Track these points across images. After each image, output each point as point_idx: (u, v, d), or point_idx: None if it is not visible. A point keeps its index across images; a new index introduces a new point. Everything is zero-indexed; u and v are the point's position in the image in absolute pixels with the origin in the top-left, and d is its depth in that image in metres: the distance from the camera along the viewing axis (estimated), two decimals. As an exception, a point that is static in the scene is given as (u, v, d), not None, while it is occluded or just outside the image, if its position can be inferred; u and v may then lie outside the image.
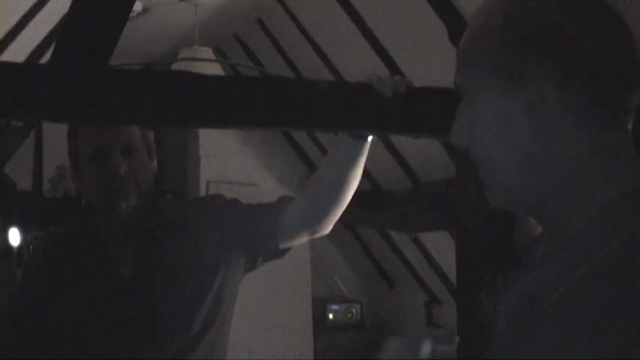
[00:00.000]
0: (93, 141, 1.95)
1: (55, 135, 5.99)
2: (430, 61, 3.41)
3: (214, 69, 4.15)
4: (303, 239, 2.08)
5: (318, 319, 6.14)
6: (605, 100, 0.96)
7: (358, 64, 4.06)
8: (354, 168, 1.92)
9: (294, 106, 1.76)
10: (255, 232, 2.04)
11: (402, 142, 4.22)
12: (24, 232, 5.73)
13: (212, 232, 2.04)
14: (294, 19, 4.53)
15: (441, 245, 4.90)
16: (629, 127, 0.99)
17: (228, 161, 5.89)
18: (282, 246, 2.05)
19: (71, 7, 1.72)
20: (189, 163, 6.05)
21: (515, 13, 0.99)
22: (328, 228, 2.04)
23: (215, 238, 2.03)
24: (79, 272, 2.02)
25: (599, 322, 0.86)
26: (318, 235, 2.07)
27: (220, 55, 5.62)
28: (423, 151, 4.15)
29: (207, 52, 4.37)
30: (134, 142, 1.97)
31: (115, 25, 1.70)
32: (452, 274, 5.07)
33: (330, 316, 6.25)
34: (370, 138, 1.90)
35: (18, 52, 3.34)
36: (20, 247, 5.75)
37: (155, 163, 2.05)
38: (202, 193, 5.81)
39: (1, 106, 1.60)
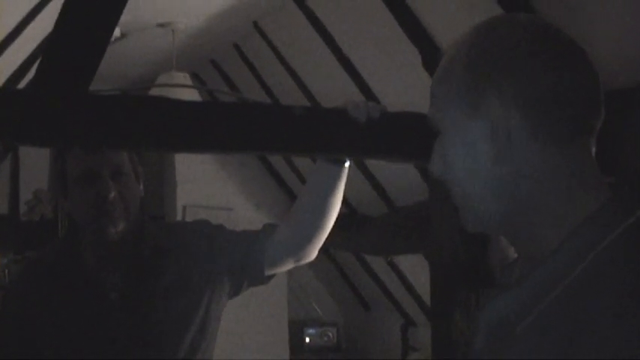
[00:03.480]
0: (82, 163, 1.95)
1: (32, 159, 6.01)
2: (404, 86, 3.46)
3: (191, 94, 4.17)
4: (289, 266, 2.10)
5: (295, 342, 6.15)
6: (567, 125, 1.00)
7: (333, 90, 4.10)
8: (334, 193, 1.95)
9: (270, 131, 1.79)
10: (240, 259, 2.05)
11: (378, 166, 4.26)
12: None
13: (198, 257, 2.05)
14: (270, 44, 4.58)
15: (417, 268, 4.93)
16: (593, 149, 1.03)
17: (205, 186, 5.91)
18: (267, 272, 2.06)
19: (52, 33, 1.75)
20: (166, 188, 6.06)
21: (479, 46, 1.03)
22: (313, 254, 2.07)
23: (201, 264, 2.04)
24: (65, 297, 2.00)
25: (573, 344, 0.89)
26: (303, 262, 2.09)
27: (197, 80, 5.65)
28: (399, 176, 4.19)
29: (185, 78, 4.39)
30: (123, 165, 1.97)
31: (95, 50, 1.73)
32: (427, 297, 5.07)
33: (307, 339, 6.25)
34: (347, 163, 1.94)
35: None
36: (-5, 272, 5.73)
37: (142, 187, 2.05)
38: (179, 218, 5.82)
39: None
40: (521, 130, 0.99)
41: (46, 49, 1.85)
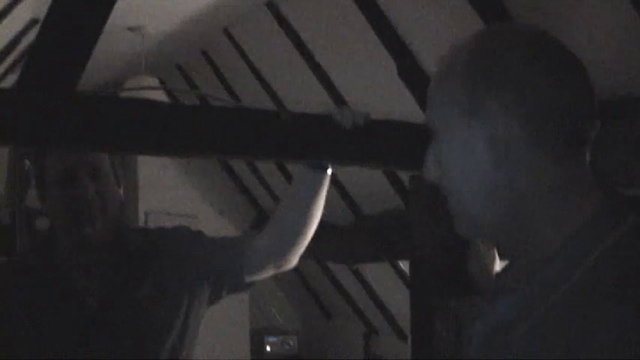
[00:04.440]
0: (60, 163, 1.92)
1: (-10, 163, 5.93)
2: (378, 95, 3.48)
3: (160, 98, 4.15)
4: (270, 273, 2.09)
5: (256, 350, 6.12)
6: (563, 134, 1.01)
7: (304, 97, 4.11)
8: (316, 200, 1.95)
9: (255, 136, 1.80)
10: (220, 265, 2.03)
11: (345, 174, 4.28)
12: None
13: (177, 263, 2.02)
14: (240, 51, 4.58)
15: (381, 276, 4.95)
16: (587, 158, 1.05)
17: (168, 192, 5.86)
18: (247, 279, 2.05)
19: (39, 34, 1.74)
20: (128, 193, 6.01)
21: (478, 54, 1.04)
22: (294, 261, 2.06)
23: (180, 270, 2.02)
24: (42, 302, 1.96)
25: (571, 349, 0.90)
26: (284, 269, 2.08)
27: (163, 85, 5.62)
28: (366, 183, 4.21)
29: (154, 82, 4.37)
30: (102, 166, 1.94)
31: (84, 49, 1.71)
32: (391, 305, 5.13)
33: (268, 347, 6.23)
34: (330, 170, 1.94)
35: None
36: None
37: (122, 191, 2.02)
38: (141, 224, 5.77)
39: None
40: (519, 138, 1.00)
41: (33, 48, 1.83)
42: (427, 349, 2.09)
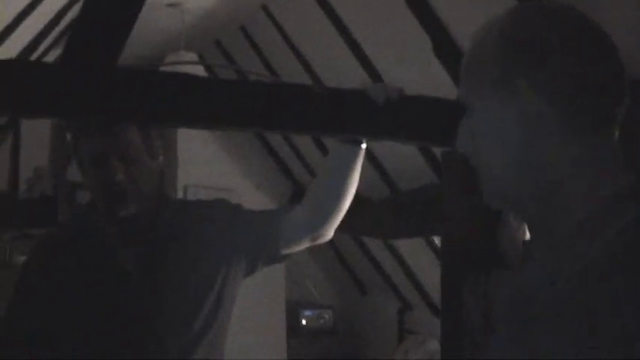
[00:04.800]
0: (91, 147, 1.95)
1: (33, 137, 6.03)
2: (414, 72, 3.49)
3: (199, 74, 4.20)
4: (305, 245, 2.12)
5: (291, 324, 6.20)
6: (592, 112, 1.04)
7: (341, 73, 4.14)
8: (351, 174, 1.98)
9: (290, 110, 1.84)
10: (257, 237, 2.07)
11: (380, 149, 4.30)
12: (-1, 232, 5.73)
13: (215, 235, 2.06)
14: (278, 27, 4.61)
15: (415, 252, 4.98)
16: (616, 135, 1.07)
17: (206, 166, 5.93)
18: (283, 252, 2.09)
19: (81, 11, 1.79)
20: (168, 167, 6.07)
21: (510, 32, 1.07)
22: (329, 234, 2.10)
23: (218, 241, 2.06)
24: (82, 270, 2.02)
25: (592, 314, 0.93)
26: (319, 242, 2.12)
27: (202, 60, 5.67)
28: (402, 159, 4.23)
29: (193, 57, 4.42)
30: (132, 147, 1.97)
31: (123, 26, 1.76)
32: (425, 281, 5.16)
33: (303, 321, 6.30)
34: (364, 145, 1.97)
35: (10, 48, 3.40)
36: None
37: (161, 160, 2.06)
38: (180, 197, 5.85)
39: (15, 103, 1.66)
40: (549, 117, 1.03)
41: (75, 26, 1.89)
42: (457, 322, 2.12)
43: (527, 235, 2.14)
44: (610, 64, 1.05)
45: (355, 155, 1.97)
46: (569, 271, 1.00)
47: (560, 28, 1.05)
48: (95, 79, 1.69)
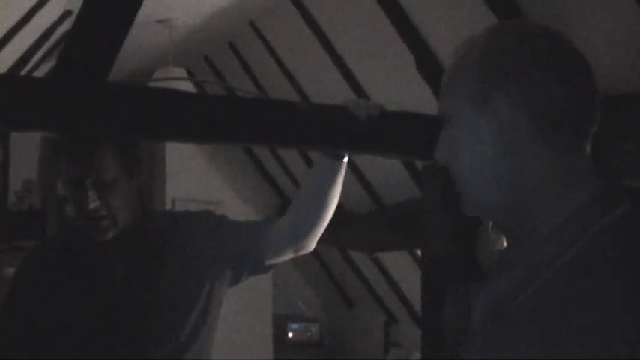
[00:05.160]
0: (67, 173, 1.96)
1: (22, 149, 6.05)
2: (397, 87, 3.56)
3: (188, 89, 4.25)
4: (289, 256, 2.16)
5: (278, 336, 6.23)
6: (566, 127, 1.09)
7: (327, 89, 4.20)
8: (333, 187, 2.03)
9: (276, 125, 1.89)
10: (242, 248, 2.11)
11: (366, 164, 4.36)
12: (-13, 244, 5.73)
13: (201, 245, 2.10)
14: (265, 43, 4.68)
15: (401, 265, 5.02)
16: (588, 149, 1.12)
17: (194, 180, 5.97)
18: (267, 262, 2.13)
19: (73, 27, 1.84)
20: (156, 181, 6.12)
21: (490, 50, 1.11)
22: (312, 245, 2.14)
23: (204, 251, 2.09)
24: (71, 279, 2.05)
25: (564, 319, 0.98)
26: (302, 252, 2.16)
27: (191, 76, 5.72)
28: (387, 174, 4.29)
29: (182, 73, 4.47)
30: (108, 173, 1.95)
31: (113, 42, 1.81)
32: (411, 294, 5.20)
33: (290, 334, 6.33)
34: (346, 158, 2.02)
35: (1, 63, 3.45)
36: (-16, 259, 5.76)
37: (141, 179, 2.07)
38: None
39: (5, 116, 1.71)
40: (525, 131, 1.08)
41: (67, 40, 1.93)
42: (437, 334, 2.16)
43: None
44: (584, 82, 1.09)
45: (337, 169, 2.02)
46: (541, 278, 1.04)
47: (537, 47, 1.09)
48: (85, 93, 1.74)
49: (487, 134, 1.10)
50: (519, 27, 1.17)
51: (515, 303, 1.05)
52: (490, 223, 1.29)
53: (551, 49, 1.09)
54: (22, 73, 4.08)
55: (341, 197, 2.07)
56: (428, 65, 3.18)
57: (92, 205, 1.93)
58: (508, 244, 1.20)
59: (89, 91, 1.74)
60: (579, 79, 1.09)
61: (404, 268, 4.98)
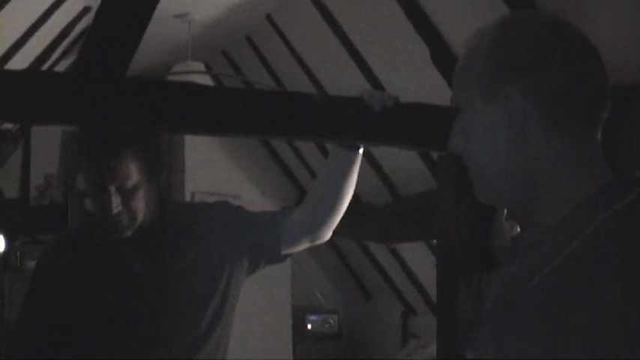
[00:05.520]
0: (90, 175, 2.00)
1: (43, 144, 6.12)
2: (412, 79, 3.58)
3: (206, 83, 4.28)
4: (304, 246, 2.20)
5: (297, 328, 6.26)
6: (576, 116, 1.11)
7: (343, 82, 4.23)
8: (348, 177, 2.07)
9: (292, 117, 1.92)
10: (259, 238, 2.15)
11: (383, 155, 4.38)
12: (9, 238, 5.80)
13: (219, 235, 2.14)
14: (282, 37, 4.71)
15: (418, 256, 5.04)
16: (599, 137, 1.14)
17: (213, 173, 6.00)
18: (284, 252, 2.17)
19: (93, 23, 1.88)
20: (175, 175, 6.17)
21: (500, 40, 1.14)
22: (327, 235, 2.17)
23: (222, 242, 2.13)
24: (91, 271, 2.10)
25: (574, 303, 0.99)
26: (318, 242, 2.19)
27: (209, 70, 5.77)
28: (404, 165, 4.31)
29: (200, 66, 4.50)
30: (129, 176, 1.98)
31: (132, 37, 1.85)
32: (428, 285, 5.22)
33: (309, 325, 6.35)
34: (361, 149, 2.05)
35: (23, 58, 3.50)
36: (6, 253, 5.83)
37: (163, 175, 2.11)
38: (187, 203, 5.92)
39: (28, 111, 1.75)
40: (535, 120, 1.10)
41: (87, 36, 1.98)
42: (452, 323, 2.18)
43: (518, 234, 2.21)
44: (594, 70, 1.12)
45: (352, 159, 2.05)
46: (551, 264, 1.05)
47: (547, 36, 1.11)
48: (105, 88, 1.78)
49: (498, 124, 1.12)
50: (529, 17, 1.19)
51: (525, 288, 1.07)
52: (504, 213, 1.31)
53: (560, 38, 1.11)
54: (43, 68, 4.13)
55: (357, 188, 2.10)
56: (442, 56, 3.19)
57: (115, 210, 1.97)
58: (521, 231, 1.22)
59: (109, 86, 1.79)
60: (589, 68, 1.11)
61: (421, 259, 4.99)
